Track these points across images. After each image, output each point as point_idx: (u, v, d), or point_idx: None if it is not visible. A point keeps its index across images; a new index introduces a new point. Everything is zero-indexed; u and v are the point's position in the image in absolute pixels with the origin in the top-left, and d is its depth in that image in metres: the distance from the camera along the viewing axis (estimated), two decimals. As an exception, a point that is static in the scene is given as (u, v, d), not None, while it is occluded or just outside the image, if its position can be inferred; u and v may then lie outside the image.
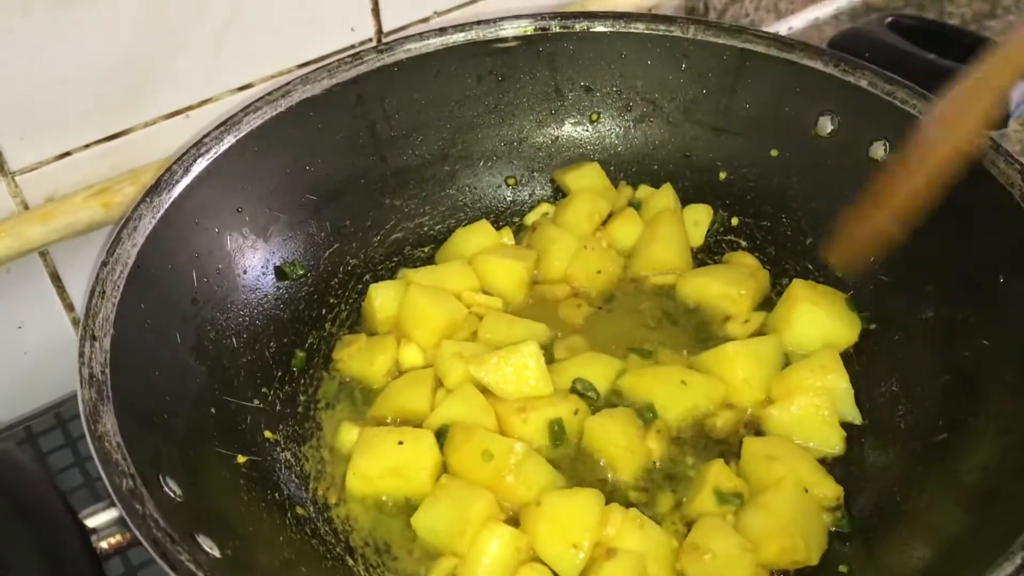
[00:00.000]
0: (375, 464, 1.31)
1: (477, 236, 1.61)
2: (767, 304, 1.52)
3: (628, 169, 1.69)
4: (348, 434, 1.38)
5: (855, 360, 1.43)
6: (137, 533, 0.99)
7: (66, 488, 1.48)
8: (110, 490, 1.03)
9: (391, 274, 1.59)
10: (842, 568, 1.22)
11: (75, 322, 1.63)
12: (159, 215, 1.32)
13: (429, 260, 1.63)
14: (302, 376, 1.46)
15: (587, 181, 1.66)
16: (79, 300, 1.60)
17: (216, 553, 1.06)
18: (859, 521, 1.26)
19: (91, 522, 1.03)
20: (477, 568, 1.20)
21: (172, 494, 1.10)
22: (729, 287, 1.50)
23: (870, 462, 1.32)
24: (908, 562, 1.15)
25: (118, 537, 1.03)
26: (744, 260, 1.58)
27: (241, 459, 1.30)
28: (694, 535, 1.22)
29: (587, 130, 1.69)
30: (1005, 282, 1.28)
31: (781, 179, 1.58)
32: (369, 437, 1.33)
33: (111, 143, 1.53)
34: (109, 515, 1.03)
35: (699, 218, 1.64)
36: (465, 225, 1.64)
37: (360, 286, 1.57)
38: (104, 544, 1.02)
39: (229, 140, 1.43)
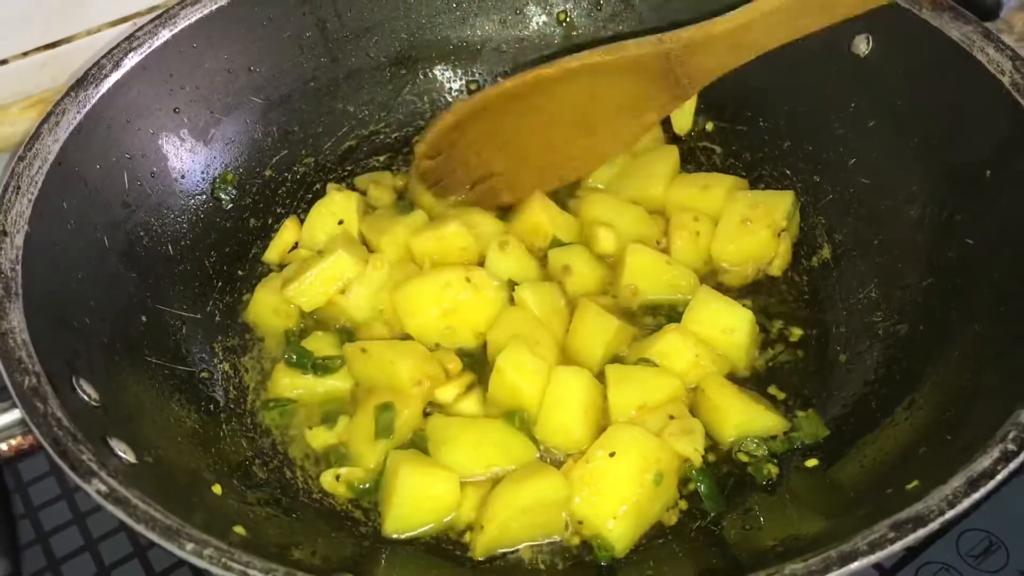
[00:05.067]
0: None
1: None
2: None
3: (597, 73, 1.58)
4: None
5: (833, 268, 1.35)
6: (36, 431, 0.92)
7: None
8: (10, 388, 0.96)
9: (344, 184, 1.50)
10: (809, 463, 1.17)
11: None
12: (85, 110, 1.25)
13: (386, 168, 1.54)
14: (244, 287, 1.38)
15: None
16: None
17: (131, 458, 0.99)
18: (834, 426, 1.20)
19: (-10, 423, 0.96)
20: None
21: (87, 398, 1.04)
22: None
23: (846, 369, 1.25)
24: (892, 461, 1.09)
25: (19, 439, 0.95)
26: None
27: (177, 369, 1.23)
28: None
29: (555, 31, 1.58)
30: (992, 177, 1.18)
31: (760, 79, 1.47)
32: None
33: (51, 51, 1.46)
34: (11, 416, 0.96)
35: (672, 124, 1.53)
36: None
37: (310, 195, 1.48)
38: (3, 446, 0.96)
39: (164, 35, 1.34)
